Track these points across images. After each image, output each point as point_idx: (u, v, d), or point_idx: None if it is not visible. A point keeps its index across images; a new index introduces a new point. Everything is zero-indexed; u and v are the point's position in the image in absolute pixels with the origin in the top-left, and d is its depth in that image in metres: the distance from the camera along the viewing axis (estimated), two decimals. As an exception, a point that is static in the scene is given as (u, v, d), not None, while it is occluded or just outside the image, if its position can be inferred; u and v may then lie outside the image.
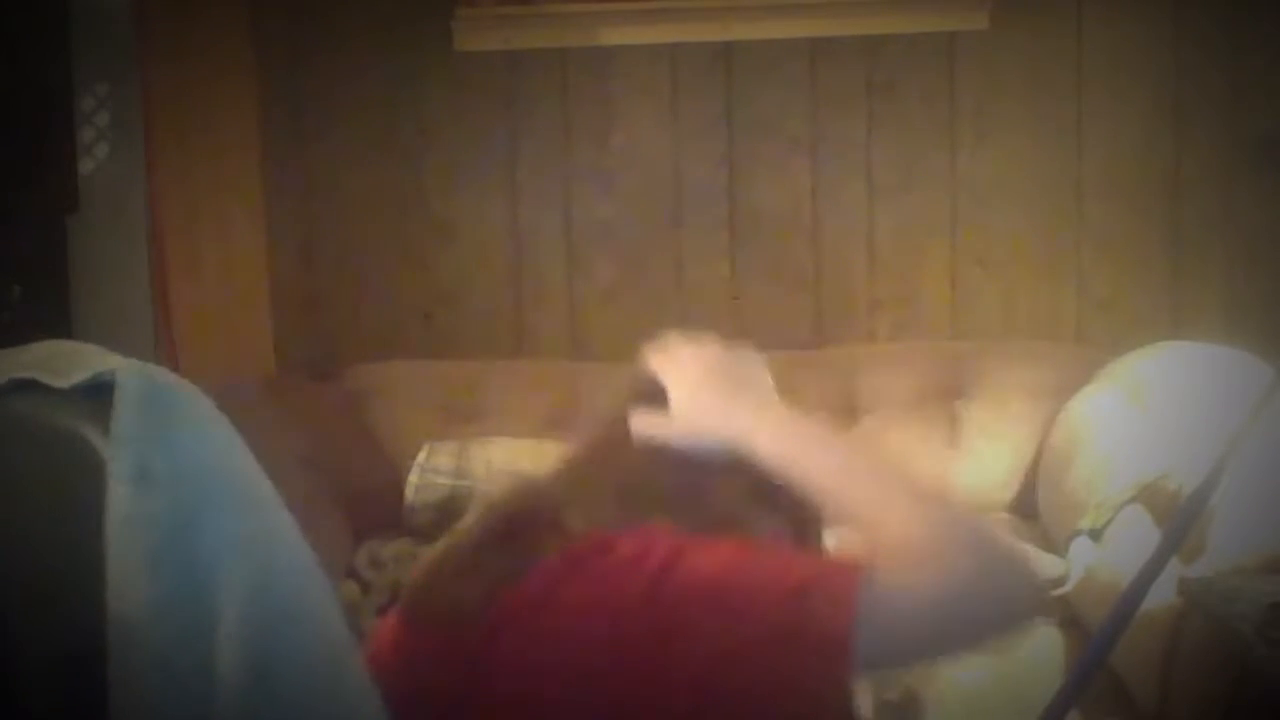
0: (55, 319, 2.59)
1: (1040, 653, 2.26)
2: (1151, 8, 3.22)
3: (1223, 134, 3.21)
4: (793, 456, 1.15)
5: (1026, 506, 2.88)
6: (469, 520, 1.22)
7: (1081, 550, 2.42)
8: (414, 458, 2.82)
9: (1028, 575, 1.11)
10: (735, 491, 1.19)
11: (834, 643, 1.02)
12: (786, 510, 1.18)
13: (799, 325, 3.32)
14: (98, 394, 0.87)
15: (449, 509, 2.75)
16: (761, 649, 1.04)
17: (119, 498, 0.84)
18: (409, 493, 2.78)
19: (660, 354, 1.27)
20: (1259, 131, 3.20)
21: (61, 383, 0.89)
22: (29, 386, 0.91)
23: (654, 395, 1.23)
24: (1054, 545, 2.61)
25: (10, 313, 2.54)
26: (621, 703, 1.06)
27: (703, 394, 1.21)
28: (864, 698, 1.19)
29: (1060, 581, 2.41)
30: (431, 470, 2.78)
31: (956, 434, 2.99)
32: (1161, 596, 1.96)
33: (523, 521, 1.19)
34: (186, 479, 0.86)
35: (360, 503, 2.79)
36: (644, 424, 1.22)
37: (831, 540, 1.21)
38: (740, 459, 1.17)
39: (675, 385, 1.22)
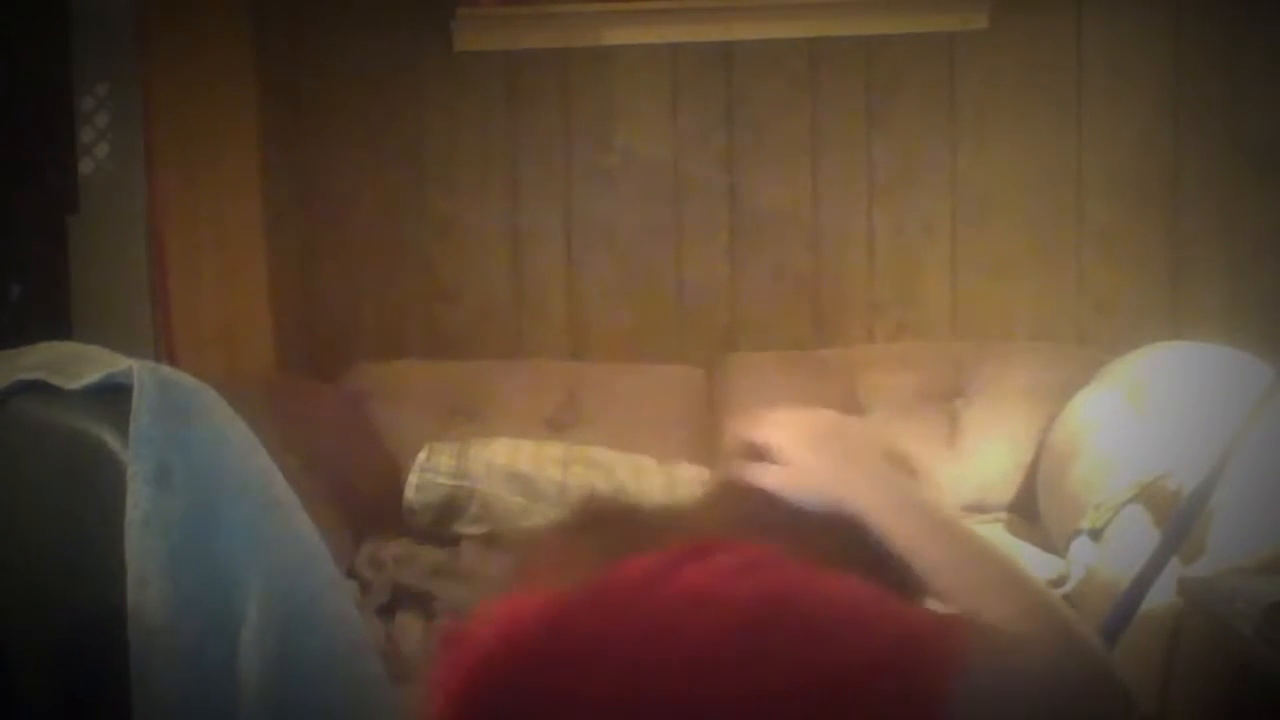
0: (55, 319, 2.59)
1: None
2: (1151, 8, 3.22)
3: (1223, 134, 3.21)
4: (899, 527, 1.16)
5: (1026, 506, 2.88)
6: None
7: (1081, 550, 2.42)
8: (414, 458, 2.82)
9: (1119, 681, 1.09)
10: (836, 549, 1.19)
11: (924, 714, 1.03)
12: (886, 576, 1.18)
13: (799, 325, 3.32)
14: (108, 395, 0.87)
15: (449, 509, 2.76)
16: (847, 698, 1.04)
17: (139, 498, 0.84)
18: (409, 493, 2.78)
19: (769, 420, 1.28)
20: (1259, 132, 3.20)
21: (71, 384, 0.88)
22: (35, 387, 0.90)
23: (760, 456, 1.25)
24: (1054, 545, 2.61)
25: (10, 313, 2.54)
26: (689, 704, 1.07)
27: (817, 453, 1.23)
28: None
29: (1060, 581, 2.41)
30: (431, 470, 2.78)
31: (956, 434, 2.99)
32: (1161, 596, 1.96)
33: (612, 515, 1.22)
34: (206, 479, 0.86)
35: (360, 503, 2.79)
36: (757, 472, 1.24)
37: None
38: (847, 520, 1.18)
39: (789, 443, 1.24)
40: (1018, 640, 1.06)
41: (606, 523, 1.21)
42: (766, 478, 1.23)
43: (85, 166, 2.71)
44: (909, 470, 1.25)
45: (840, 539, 1.19)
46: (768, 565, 1.11)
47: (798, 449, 1.23)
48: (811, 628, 1.07)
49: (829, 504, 1.20)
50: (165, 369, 0.89)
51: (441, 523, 2.76)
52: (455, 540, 2.73)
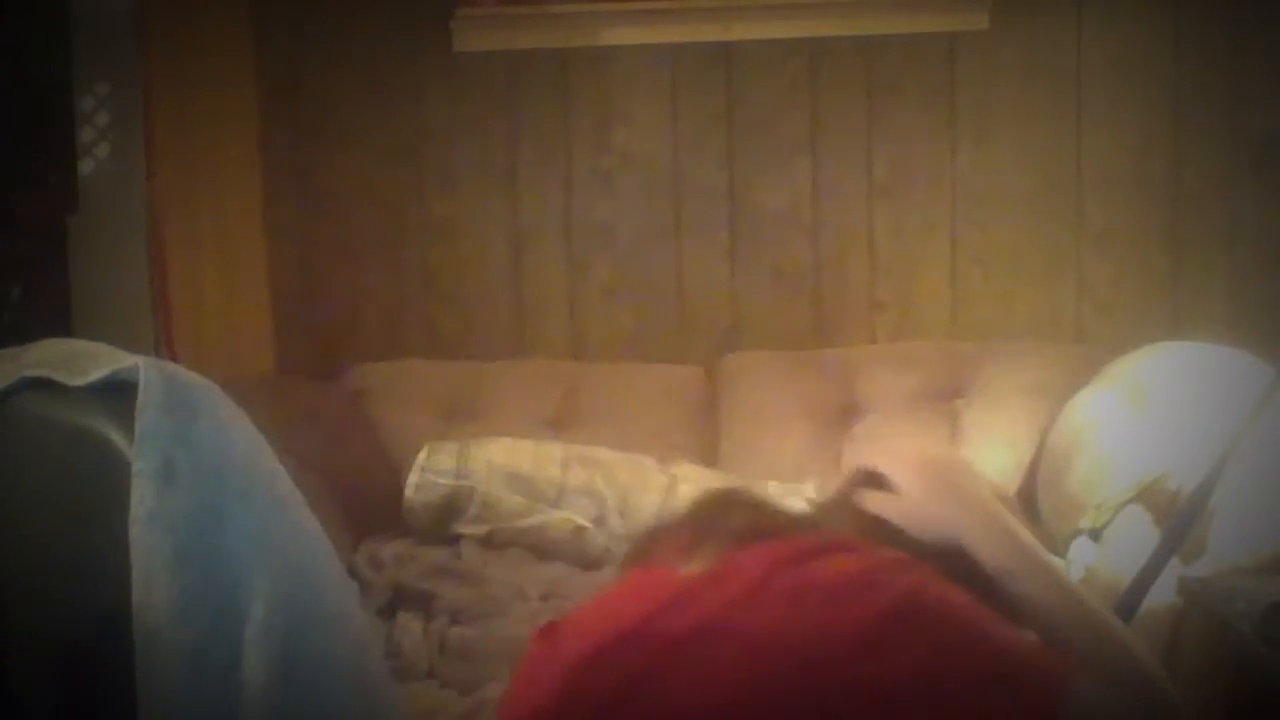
0: (55, 319, 2.59)
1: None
2: (1151, 8, 3.22)
3: (1223, 134, 3.21)
4: (1004, 563, 1.23)
5: (1027, 507, 2.88)
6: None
7: (1081, 550, 2.42)
8: (414, 458, 2.82)
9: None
10: (944, 577, 1.25)
11: None
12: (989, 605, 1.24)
13: (799, 325, 3.32)
14: (113, 392, 0.87)
15: (449, 509, 2.76)
16: (962, 702, 1.09)
17: (144, 494, 0.84)
18: (409, 493, 2.78)
19: (886, 451, 1.36)
20: (1259, 131, 3.20)
21: (76, 380, 0.88)
22: (40, 384, 0.90)
23: (877, 484, 1.31)
24: (1054, 545, 2.61)
25: (10, 313, 2.54)
26: (807, 688, 1.10)
27: (932, 487, 1.29)
28: None
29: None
30: (431, 470, 2.78)
31: (956, 434, 2.99)
32: (1161, 596, 1.96)
33: (740, 507, 1.29)
34: (210, 475, 0.86)
35: (360, 503, 2.79)
36: (876, 500, 1.30)
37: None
38: (955, 551, 1.24)
39: (906, 476, 1.31)
40: (1109, 677, 1.12)
41: (734, 513, 1.26)
42: (885, 505, 1.29)
43: (85, 166, 2.71)
44: (1010, 509, 1.31)
45: (948, 568, 1.23)
46: (904, 567, 1.16)
47: (915, 482, 1.29)
48: (938, 630, 1.12)
49: (941, 536, 1.25)
50: (171, 365, 0.89)
51: (441, 523, 2.76)
52: (455, 540, 2.73)
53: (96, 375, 0.89)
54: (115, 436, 0.86)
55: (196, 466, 0.86)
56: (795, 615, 1.13)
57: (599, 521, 2.67)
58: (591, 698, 1.14)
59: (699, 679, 1.13)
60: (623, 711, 1.13)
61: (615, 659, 1.15)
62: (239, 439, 0.89)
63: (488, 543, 2.71)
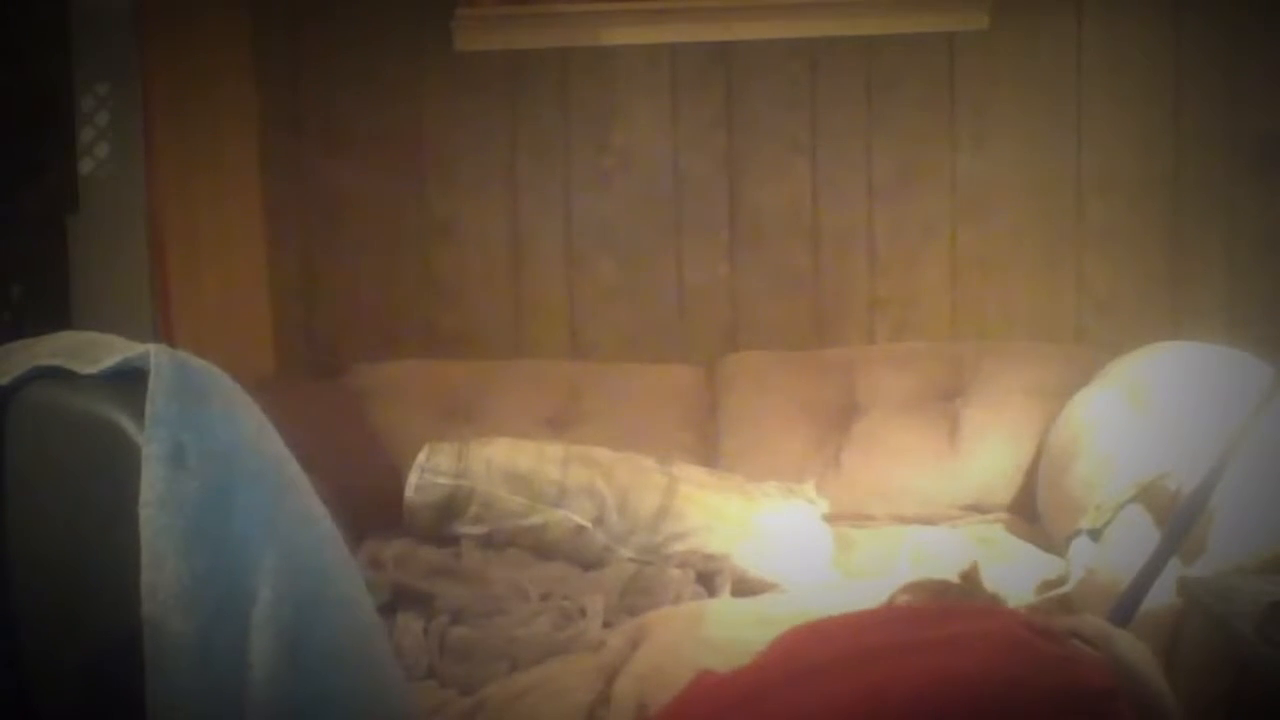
0: (55, 319, 2.59)
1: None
2: (1151, 8, 3.22)
3: (1223, 134, 3.21)
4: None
5: (1026, 506, 2.88)
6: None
7: (1081, 550, 2.42)
8: (414, 458, 2.82)
9: None
10: None
11: None
12: None
13: (799, 325, 3.32)
14: (124, 379, 0.88)
15: (449, 509, 2.75)
16: None
17: (154, 479, 0.85)
18: (409, 493, 2.78)
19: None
20: (1259, 131, 3.20)
21: (88, 369, 0.89)
22: (52, 373, 0.91)
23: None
24: (1054, 545, 2.61)
25: (11, 312, 2.54)
26: None
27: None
28: None
29: (1060, 582, 2.41)
30: (431, 470, 2.78)
31: (956, 434, 2.99)
32: (1161, 596, 1.96)
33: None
34: (219, 460, 0.86)
35: (360, 503, 2.78)
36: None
37: None
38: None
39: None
40: None
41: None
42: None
43: (85, 166, 2.71)
44: None
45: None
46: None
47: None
48: None
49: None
50: (181, 353, 0.90)
51: (441, 523, 2.76)
52: (455, 540, 2.73)
53: (108, 364, 0.89)
54: (126, 422, 0.87)
55: (206, 451, 0.86)
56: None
57: (599, 521, 2.67)
58: None
59: None
60: None
61: None
62: (247, 424, 0.90)
63: (488, 543, 2.71)
